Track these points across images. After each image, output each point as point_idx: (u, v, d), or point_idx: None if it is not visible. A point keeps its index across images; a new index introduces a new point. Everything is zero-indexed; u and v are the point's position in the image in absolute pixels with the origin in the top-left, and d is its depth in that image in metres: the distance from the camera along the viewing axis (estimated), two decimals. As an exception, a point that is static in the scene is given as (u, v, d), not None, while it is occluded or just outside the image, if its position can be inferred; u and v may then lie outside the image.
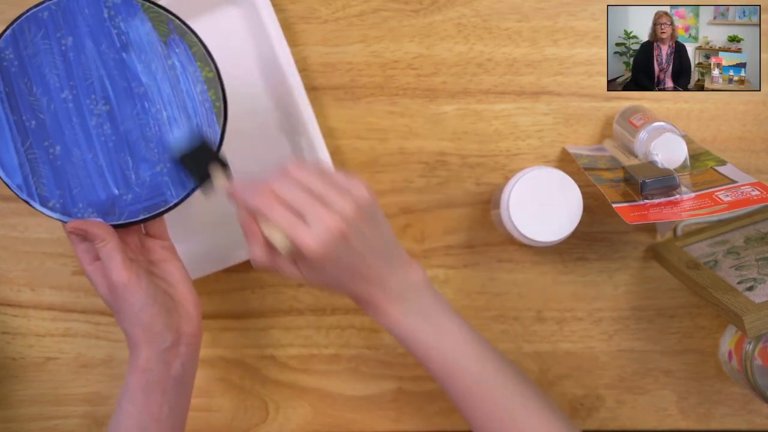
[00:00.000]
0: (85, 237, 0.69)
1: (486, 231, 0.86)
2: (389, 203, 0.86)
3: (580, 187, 0.77)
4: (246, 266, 0.86)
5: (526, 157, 0.86)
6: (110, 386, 0.86)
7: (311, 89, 0.85)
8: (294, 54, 0.84)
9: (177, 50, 0.71)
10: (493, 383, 0.70)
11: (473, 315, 0.86)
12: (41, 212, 0.70)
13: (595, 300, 0.86)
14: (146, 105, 0.70)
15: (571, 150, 0.84)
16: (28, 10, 0.69)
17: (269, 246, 0.67)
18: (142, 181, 0.70)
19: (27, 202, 0.69)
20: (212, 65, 0.71)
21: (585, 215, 0.79)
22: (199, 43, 0.71)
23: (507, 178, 0.81)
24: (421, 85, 0.85)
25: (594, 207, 0.85)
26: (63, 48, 0.70)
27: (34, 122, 0.69)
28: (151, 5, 0.70)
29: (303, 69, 0.85)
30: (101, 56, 0.70)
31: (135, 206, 0.70)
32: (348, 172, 0.68)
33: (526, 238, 0.77)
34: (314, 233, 0.64)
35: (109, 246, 0.68)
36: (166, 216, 0.72)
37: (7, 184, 0.69)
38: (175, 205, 0.71)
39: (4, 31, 0.69)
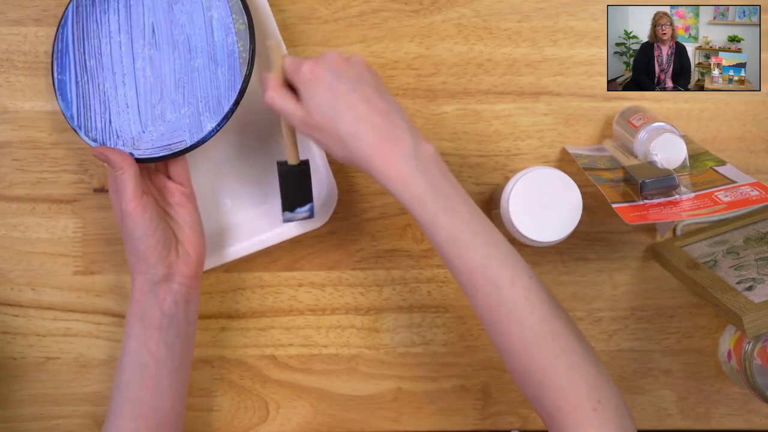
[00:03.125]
0: (106, 162, 0.75)
1: (486, 231, 0.86)
2: (389, 203, 0.86)
3: (580, 187, 0.77)
4: (246, 266, 0.86)
5: (526, 157, 0.86)
6: (110, 386, 0.86)
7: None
8: (294, 54, 0.84)
9: (218, 5, 0.76)
10: (498, 268, 0.67)
11: (473, 314, 0.86)
12: (85, 142, 0.78)
13: (594, 300, 0.86)
14: (183, 52, 0.77)
15: (571, 150, 0.84)
16: None
17: (278, 90, 0.73)
18: (166, 121, 0.77)
19: (76, 131, 0.78)
20: (245, 18, 0.76)
21: (585, 215, 0.79)
22: None
23: (507, 178, 0.81)
24: (421, 85, 0.86)
25: (594, 207, 0.85)
26: None
27: (93, 61, 0.78)
28: None
29: (303, 69, 0.85)
30: (155, 4, 0.77)
31: (157, 144, 0.77)
32: None
33: (526, 238, 0.77)
34: (309, 58, 0.73)
35: (125, 175, 0.74)
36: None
37: (63, 114, 0.78)
38: (191, 147, 0.77)
39: None
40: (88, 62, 0.78)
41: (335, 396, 0.87)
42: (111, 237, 0.85)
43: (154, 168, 0.79)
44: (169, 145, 0.77)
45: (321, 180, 0.83)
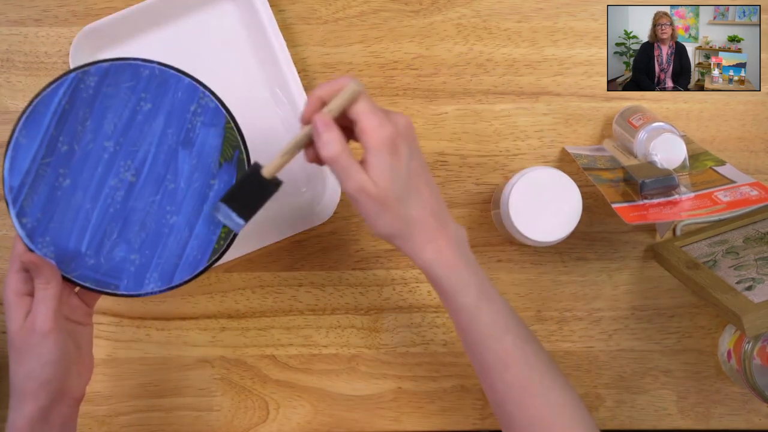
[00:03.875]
0: (32, 271, 0.67)
1: (486, 231, 0.86)
2: (389, 203, 0.86)
3: (579, 187, 0.77)
4: (246, 266, 0.86)
5: (526, 157, 0.86)
6: (110, 386, 0.86)
7: (311, 89, 0.85)
8: (294, 54, 0.84)
9: (225, 178, 0.70)
10: (529, 346, 0.69)
11: (473, 315, 0.86)
12: (12, 221, 0.69)
13: (594, 300, 0.87)
14: (164, 201, 0.70)
15: (571, 150, 0.84)
16: (134, 59, 0.69)
17: (346, 146, 0.64)
18: (111, 256, 0.70)
19: (7, 204, 0.68)
20: (244, 217, 0.69)
21: (585, 215, 0.79)
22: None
23: (507, 178, 0.81)
24: (421, 85, 0.86)
25: (594, 207, 0.85)
26: (137, 108, 0.69)
27: (66, 147, 0.69)
28: (234, 128, 0.71)
29: (303, 69, 0.85)
30: (162, 137, 0.70)
31: (89, 273, 0.70)
32: None
33: (526, 238, 0.77)
34: (390, 118, 0.64)
35: (50, 292, 0.67)
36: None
37: (3, 179, 0.69)
38: (122, 295, 0.71)
39: (103, 62, 0.69)
40: (59, 145, 0.69)
41: (335, 396, 0.87)
42: (111, 237, 0.85)
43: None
44: (100, 281, 0.70)
45: (323, 179, 0.83)
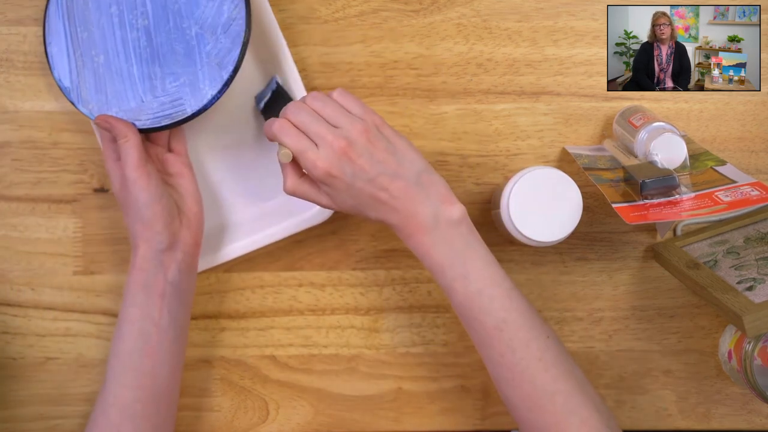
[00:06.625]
0: (110, 131, 0.76)
1: (486, 231, 0.86)
2: (389, 203, 0.86)
3: (580, 187, 0.77)
4: (246, 266, 0.86)
5: (526, 157, 0.86)
6: (110, 386, 0.86)
7: (311, 89, 0.85)
8: (294, 54, 0.84)
9: None
10: (513, 332, 0.70)
11: (473, 315, 0.86)
12: (82, 113, 0.78)
13: (595, 300, 0.86)
14: (178, 21, 0.77)
15: (571, 150, 0.84)
16: None
17: (298, 174, 0.74)
18: (166, 91, 0.77)
19: (73, 104, 0.79)
20: None
21: (585, 215, 0.79)
22: None
23: (507, 178, 0.81)
24: (421, 85, 0.85)
25: (594, 207, 0.85)
26: None
27: (86, 34, 0.78)
28: None
29: (303, 69, 0.85)
30: None
31: (158, 114, 0.78)
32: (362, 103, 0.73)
33: (526, 238, 0.77)
34: (320, 154, 0.70)
35: (129, 143, 0.75)
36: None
37: (59, 86, 0.79)
38: (193, 115, 0.77)
39: None
40: (80, 35, 0.78)
41: (335, 396, 0.87)
42: (111, 237, 0.85)
43: (150, 141, 0.80)
44: (171, 114, 0.77)
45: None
